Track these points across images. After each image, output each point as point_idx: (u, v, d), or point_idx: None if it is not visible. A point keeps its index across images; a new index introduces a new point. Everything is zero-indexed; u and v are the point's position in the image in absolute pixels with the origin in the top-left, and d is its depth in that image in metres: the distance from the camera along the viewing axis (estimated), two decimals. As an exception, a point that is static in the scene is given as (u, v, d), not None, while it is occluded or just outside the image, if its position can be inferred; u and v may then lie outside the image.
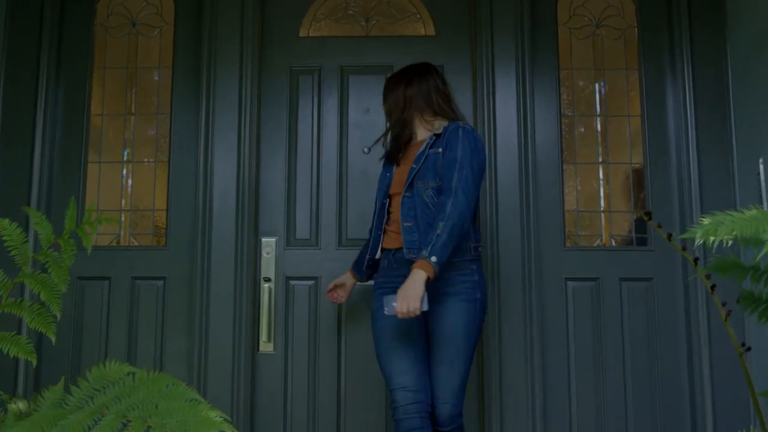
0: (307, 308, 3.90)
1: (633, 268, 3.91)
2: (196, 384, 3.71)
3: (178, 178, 4.00)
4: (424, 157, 3.21)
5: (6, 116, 3.91)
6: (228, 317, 3.76)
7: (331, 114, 4.07)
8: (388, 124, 3.49)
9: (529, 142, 3.91)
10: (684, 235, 1.57)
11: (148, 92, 4.14)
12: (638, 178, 4.02)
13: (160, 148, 4.08)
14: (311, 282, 3.91)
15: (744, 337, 3.47)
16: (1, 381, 3.72)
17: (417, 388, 3.08)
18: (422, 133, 3.34)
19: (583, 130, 4.09)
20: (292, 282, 3.91)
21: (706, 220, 1.51)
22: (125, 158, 4.09)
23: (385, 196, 3.37)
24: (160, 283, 3.92)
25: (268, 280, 3.86)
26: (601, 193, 4.04)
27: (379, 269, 3.38)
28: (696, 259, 2.03)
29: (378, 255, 3.36)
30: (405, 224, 3.19)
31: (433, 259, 2.94)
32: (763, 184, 3.37)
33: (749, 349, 1.83)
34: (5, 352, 1.92)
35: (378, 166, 3.60)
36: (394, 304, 2.96)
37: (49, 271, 2.06)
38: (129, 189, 4.06)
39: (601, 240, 3.99)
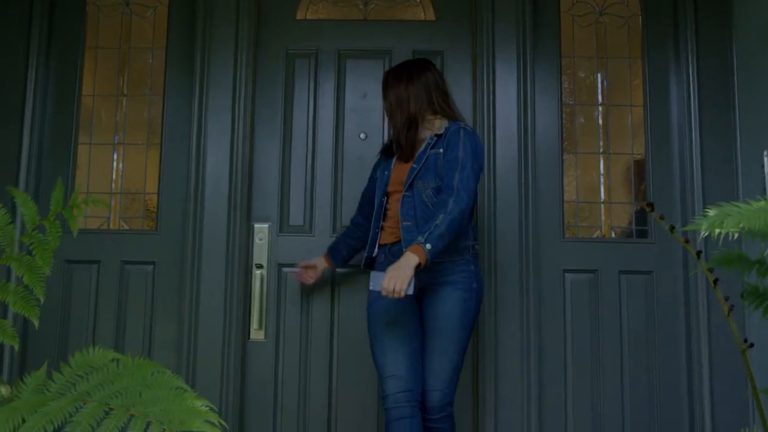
0: (300, 296, 3.87)
1: (633, 260, 3.88)
2: (185, 371, 3.68)
3: (170, 162, 3.97)
4: (425, 158, 3.24)
5: (-6, 95, 3.87)
6: (219, 304, 3.73)
7: (327, 98, 4.03)
8: (391, 124, 3.45)
9: (529, 131, 3.88)
10: (688, 227, 1.53)
11: (140, 74, 4.10)
12: (639, 169, 3.99)
13: (152, 130, 4.04)
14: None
15: (745, 333, 3.44)
16: (-14, 365, 3.71)
17: (407, 377, 3.10)
18: (422, 132, 3.34)
19: (584, 119, 4.06)
20: (285, 269, 3.87)
21: (711, 212, 1.47)
22: (116, 140, 4.04)
23: (383, 194, 3.38)
24: (150, 268, 3.88)
25: (260, 266, 3.82)
26: (602, 184, 4.01)
27: (375, 264, 3.38)
28: (699, 252, 2.00)
29: (375, 253, 3.37)
30: (404, 223, 3.21)
31: (428, 246, 2.95)
32: (767, 176, 3.34)
33: (752, 345, 1.79)
34: (-14, 336, 1.88)
35: (374, 152, 3.58)
36: (381, 281, 2.97)
37: (33, 253, 2.02)
38: (120, 172, 4.02)
39: (601, 231, 3.97)
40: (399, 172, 3.34)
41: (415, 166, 3.25)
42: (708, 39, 3.93)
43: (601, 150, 4.02)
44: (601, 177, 4.01)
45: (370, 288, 3.08)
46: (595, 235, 3.96)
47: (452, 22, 4.08)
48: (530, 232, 3.80)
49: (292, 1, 4.11)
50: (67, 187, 3.75)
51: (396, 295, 2.91)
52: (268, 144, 3.98)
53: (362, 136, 3.96)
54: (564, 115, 4.01)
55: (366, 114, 3.97)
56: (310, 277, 3.69)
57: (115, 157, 4.03)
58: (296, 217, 3.92)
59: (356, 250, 3.65)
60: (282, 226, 3.92)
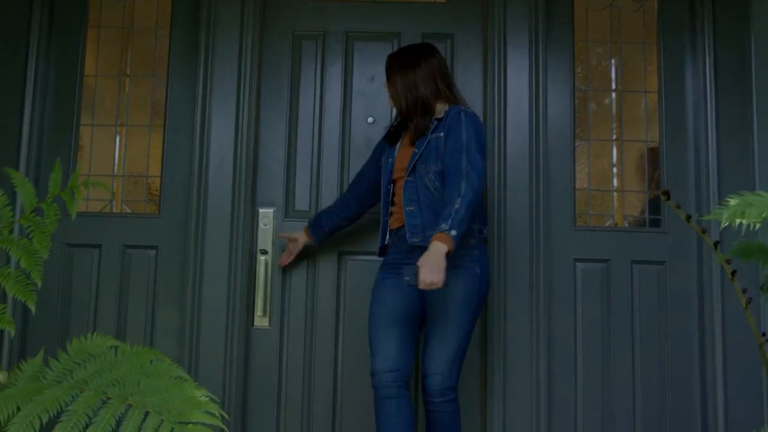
0: (305, 282, 3.84)
1: (645, 250, 3.84)
2: (187, 358, 3.66)
3: (173, 145, 3.93)
4: (426, 142, 3.27)
5: (-5, 75, 3.84)
6: (222, 290, 3.71)
7: (334, 81, 3.99)
8: (393, 106, 3.47)
9: (541, 117, 3.84)
10: (708, 217, 1.49)
11: (144, 54, 4.06)
12: (653, 157, 3.95)
13: (155, 112, 4.00)
14: (309, 255, 3.83)
15: (760, 326, 3.41)
16: (-16, 351, 3.70)
17: (395, 357, 3.16)
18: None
19: (597, 105, 4.02)
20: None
21: (733, 201, 1.43)
22: (119, 122, 4.00)
23: (389, 181, 3.41)
24: (153, 252, 3.85)
25: (264, 252, 3.79)
26: (614, 172, 3.97)
27: (387, 249, 3.43)
28: (716, 243, 1.96)
29: (387, 240, 3.41)
30: (408, 208, 3.25)
31: (453, 233, 2.98)
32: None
33: (771, 339, 1.76)
34: (-19, 322, 1.85)
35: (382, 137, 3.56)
36: (413, 274, 3.01)
37: (30, 237, 1.99)
38: (122, 154, 3.99)
39: (613, 220, 3.94)
40: (402, 158, 3.37)
41: (416, 151, 3.28)
42: (725, 24, 3.88)
43: (615, 137, 3.98)
44: (614, 164, 3.98)
45: (407, 283, 3.07)
46: (607, 224, 3.93)
47: (463, 5, 4.03)
48: (541, 220, 3.76)
49: (299, -19, 4.07)
50: (68, 170, 3.72)
51: (434, 287, 2.95)
52: (273, 127, 3.94)
53: (370, 120, 3.92)
54: (576, 101, 3.97)
55: (374, 97, 3.93)
56: (290, 253, 3.72)
57: (118, 139, 4.00)
58: (302, 201, 3.89)
59: (339, 228, 3.68)
60: (287, 210, 3.89)
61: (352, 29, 4.03)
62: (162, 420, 1.47)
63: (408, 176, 3.27)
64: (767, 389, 3.59)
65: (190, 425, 1.45)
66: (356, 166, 3.82)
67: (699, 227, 2.01)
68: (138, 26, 4.07)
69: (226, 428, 1.55)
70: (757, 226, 1.41)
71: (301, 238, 3.69)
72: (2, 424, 1.51)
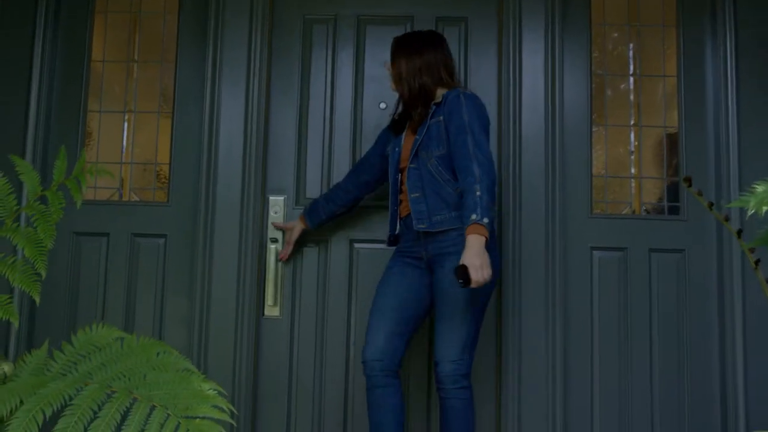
0: (316, 271, 3.82)
1: (664, 238, 3.80)
2: (196, 348, 3.65)
3: (182, 131, 3.91)
4: (426, 128, 3.28)
5: (0, 60, 3.83)
6: (232, 279, 3.68)
7: (345, 66, 3.95)
8: (395, 90, 3.44)
9: (557, 102, 3.80)
10: (734, 204, 1.45)
11: (152, 39, 4.04)
12: (672, 143, 3.90)
13: (164, 98, 3.98)
14: (320, 244, 3.80)
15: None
16: (-8, 341, 3.69)
17: (383, 346, 3.19)
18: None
19: (614, 90, 3.97)
20: (301, 244, 3.81)
21: (760, 188, 1.39)
22: (127, 108, 3.98)
23: (396, 170, 3.42)
24: (161, 241, 3.84)
25: (275, 240, 3.77)
26: (632, 158, 3.92)
27: (398, 239, 3.45)
28: (740, 231, 1.92)
29: (397, 230, 3.43)
30: (413, 195, 3.26)
31: (485, 220, 2.99)
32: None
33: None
34: (-15, 312, 1.83)
35: (394, 123, 3.53)
36: (463, 277, 2.98)
37: (35, 225, 1.96)
38: (131, 141, 3.97)
39: (631, 207, 3.89)
40: (407, 146, 3.38)
41: (417, 137, 3.29)
42: (746, 5, 3.82)
43: (632, 122, 3.93)
44: (632, 150, 3.93)
45: (461, 285, 3.00)
46: (624, 212, 3.88)
47: (477, -13, 3.99)
48: (557, 207, 3.72)
49: (309, -36, 4.03)
50: (76, 157, 3.70)
51: (486, 282, 2.98)
52: (284, 113, 3.91)
53: (382, 105, 3.89)
54: (593, 86, 3.92)
55: (386, 83, 3.86)
56: (289, 243, 3.73)
57: (126, 125, 3.97)
58: (313, 189, 3.86)
59: (335, 215, 3.68)
60: (298, 198, 3.86)
61: (364, 13, 4.00)
62: (168, 414, 1.44)
63: (411, 164, 3.29)
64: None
65: (197, 420, 1.42)
66: (368, 152, 3.79)
67: (721, 215, 1.96)
68: (146, 11, 4.04)
69: (234, 423, 1.52)
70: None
71: (297, 226, 3.70)
72: (5, 418, 1.49)
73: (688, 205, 3.80)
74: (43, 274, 1.88)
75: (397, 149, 3.43)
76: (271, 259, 3.73)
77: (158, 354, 1.67)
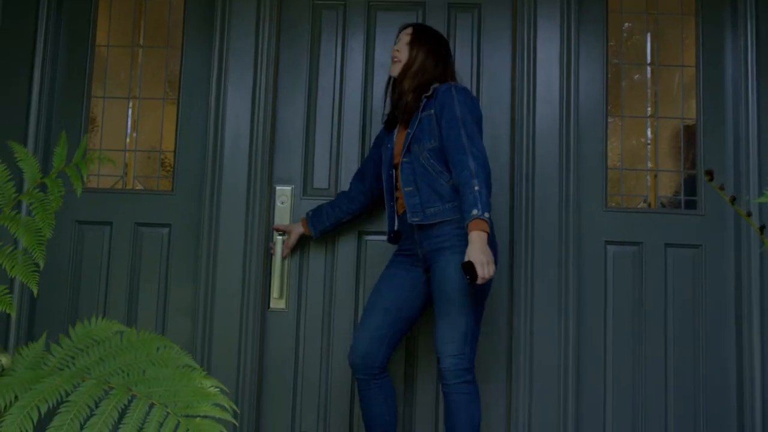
0: (323, 263, 3.79)
1: (680, 233, 3.76)
2: (200, 341, 3.63)
3: (188, 118, 3.88)
4: (417, 121, 3.30)
5: (3, 44, 3.80)
6: (237, 270, 3.66)
7: (355, 53, 3.92)
8: (403, 76, 3.40)
9: (572, 92, 3.76)
10: (761, 199, 1.40)
11: (158, 24, 4.00)
12: (689, 135, 3.86)
13: (169, 84, 3.96)
14: (328, 235, 3.76)
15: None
16: (-8, 331, 3.67)
17: (365, 348, 3.28)
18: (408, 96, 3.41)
19: (631, 80, 3.93)
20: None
21: (789, 182, 1.34)
22: (131, 94, 3.94)
23: (390, 167, 3.44)
24: (165, 230, 3.81)
25: (281, 232, 3.72)
26: (648, 150, 3.87)
27: (399, 236, 3.49)
28: (762, 227, 1.87)
29: (396, 227, 3.45)
30: (406, 189, 3.28)
31: (486, 215, 3.03)
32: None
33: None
34: (-20, 302, 1.79)
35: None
36: (470, 274, 3.01)
37: (33, 214, 1.92)
38: (135, 128, 3.93)
39: (646, 201, 3.85)
40: (399, 142, 3.40)
41: (409, 131, 3.31)
42: (769, -5, 3.77)
43: (649, 113, 3.89)
44: (648, 142, 3.89)
45: (468, 282, 3.03)
46: (640, 205, 3.85)
47: (491, -27, 3.94)
48: (571, 200, 3.68)
49: (320, -52, 3.98)
50: (79, 144, 3.67)
51: (491, 277, 3.03)
52: (292, 101, 3.87)
53: (393, 94, 3.85)
54: (609, 76, 3.88)
55: (397, 71, 3.85)
56: (287, 246, 3.71)
57: (130, 112, 3.94)
58: (321, 179, 3.83)
59: (340, 222, 3.67)
60: (305, 188, 3.83)
61: (374, -1, 3.96)
62: (167, 413, 1.40)
63: (404, 158, 3.31)
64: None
65: (198, 419, 1.38)
66: (378, 142, 3.75)
67: (743, 210, 1.92)
68: (151, -5, 4.01)
69: (235, 422, 1.48)
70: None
71: (297, 230, 3.68)
72: (0, 414, 1.45)
73: (706, 199, 3.76)
74: (41, 264, 1.84)
75: (389, 146, 3.45)
76: (278, 250, 3.69)
77: (158, 349, 1.63)
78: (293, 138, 3.85)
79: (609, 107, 3.85)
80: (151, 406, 1.42)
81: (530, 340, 3.60)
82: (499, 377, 3.68)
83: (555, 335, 3.60)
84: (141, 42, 3.98)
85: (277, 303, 3.74)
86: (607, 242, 3.75)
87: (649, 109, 3.89)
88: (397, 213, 3.42)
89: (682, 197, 3.83)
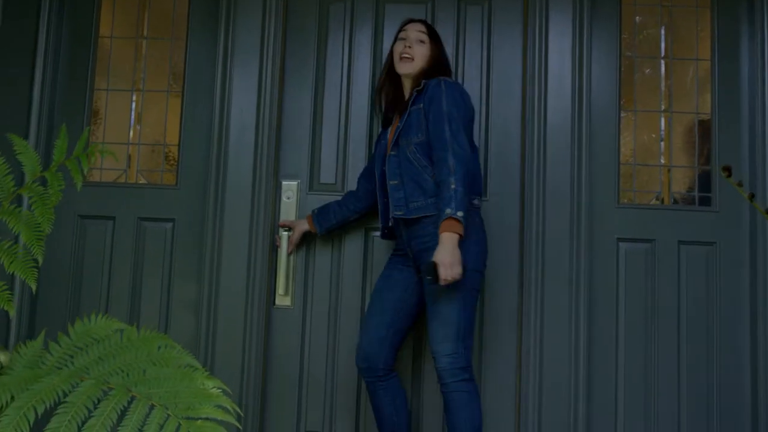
0: (330, 260, 3.76)
1: (694, 230, 3.73)
2: (204, 338, 3.61)
3: (192, 111, 3.85)
4: (407, 115, 3.33)
5: (4, 34, 3.78)
6: (242, 266, 3.63)
7: (363, 47, 3.88)
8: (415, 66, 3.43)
9: (584, 86, 3.72)
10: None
11: (162, 15, 3.98)
12: (704, 130, 3.82)
13: (174, 77, 3.93)
14: (335, 231, 3.72)
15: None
16: (-7, 327, 3.65)
17: (370, 351, 3.33)
18: (407, 92, 3.48)
19: (644, 74, 3.89)
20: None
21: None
22: (135, 87, 3.92)
23: (383, 163, 3.44)
24: (169, 225, 3.79)
25: (287, 228, 3.70)
26: (662, 146, 3.84)
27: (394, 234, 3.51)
28: (783, 225, 1.84)
29: (390, 223, 3.43)
30: (391, 182, 3.31)
31: (459, 213, 3.04)
32: None
33: None
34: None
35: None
36: (431, 274, 3.05)
37: (32, 208, 1.89)
38: (139, 121, 3.91)
39: (659, 197, 3.81)
40: (391, 136, 3.42)
41: (399, 125, 3.34)
42: (786, -13, 3.73)
43: (663, 108, 3.85)
44: (662, 137, 3.85)
45: (428, 283, 3.09)
46: (652, 201, 3.81)
47: (502, -36, 3.90)
48: (583, 196, 3.64)
49: (327, -62, 3.95)
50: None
51: (456, 279, 3.04)
52: (298, 94, 3.85)
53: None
54: (622, 69, 3.84)
55: (406, 64, 3.82)
56: (291, 243, 3.69)
57: (134, 105, 3.92)
58: (327, 174, 3.80)
59: (347, 221, 3.67)
60: (312, 183, 3.80)
61: (383, -10, 3.93)
62: (168, 415, 1.37)
63: (391, 151, 3.33)
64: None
65: (199, 421, 1.35)
66: (386, 137, 3.72)
67: (763, 207, 1.89)
68: (156, -15, 3.98)
69: (238, 425, 1.45)
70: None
71: (301, 226, 3.67)
72: (-4, 414, 1.42)
73: (720, 195, 3.72)
74: (40, 260, 1.82)
75: (383, 141, 3.47)
76: (283, 245, 3.66)
77: (160, 348, 1.60)
78: (299, 132, 3.82)
79: (622, 101, 3.82)
80: (152, 407, 1.40)
81: (540, 338, 3.56)
82: (509, 376, 3.65)
83: (566, 333, 3.56)
84: (145, 34, 3.95)
85: (282, 300, 3.71)
86: (619, 239, 3.71)
87: (662, 103, 3.85)
88: (389, 208, 3.42)
89: (696, 193, 3.79)
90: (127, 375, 1.50)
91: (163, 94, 3.92)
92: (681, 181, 3.83)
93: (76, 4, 3.91)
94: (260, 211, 3.66)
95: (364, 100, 3.84)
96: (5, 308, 1.77)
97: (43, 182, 1.97)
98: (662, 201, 3.80)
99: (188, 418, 1.37)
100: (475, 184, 3.32)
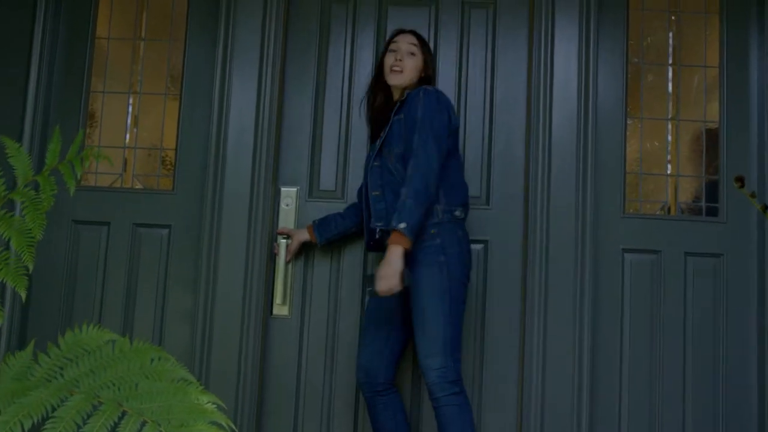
0: (328, 269, 3.73)
1: (701, 241, 3.70)
2: (199, 348, 3.57)
3: (190, 115, 3.82)
4: (389, 125, 3.35)
5: (-1, 35, 3.75)
6: (239, 275, 3.59)
7: (366, 50, 3.86)
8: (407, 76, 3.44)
9: (590, 92, 3.69)
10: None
11: (161, 15, 3.95)
12: (711, 139, 3.79)
13: (172, 79, 3.90)
14: (335, 242, 3.69)
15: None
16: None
17: (368, 365, 3.36)
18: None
19: (651, 80, 3.86)
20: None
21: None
22: (132, 89, 3.89)
23: (367, 174, 3.45)
24: (165, 231, 3.75)
25: (285, 236, 3.66)
26: (668, 154, 3.80)
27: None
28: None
29: (378, 235, 3.37)
30: (373, 193, 3.33)
31: (402, 225, 3.04)
32: None
33: None
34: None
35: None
36: (372, 285, 3.13)
37: (23, 213, 1.85)
38: (135, 124, 3.89)
39: (666, 207, 3.78)
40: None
41: (382, 135, 3.38)
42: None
43: (670, 116, 3.83)
44: (669, 146, 3.82)
45: (368, 294, 3.23)
46: (658, 211, 3.78)
47: (507, -32, 3.88)
48: (588, 205, 3.61)
49: (329, -61, 3.93)
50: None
51: (394, 291, 3.06)
52: (299, 98, 3.82)
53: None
54: (629, 76, 3.81)
55: (408, 68, 3.79)
56: (289, 252, 3.66)
57: (131, 107, 3.89)
58: (327, 180, 3.77)
59: (347, 232, 3.65)
60: (311, 190, 3.77)
61: (386, -8, 3.91)
62: (160, 431, 1.33)
63: (374, 162, 3.35)
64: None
65: (193, 439, 1.31)
66: (387, 142, 3.70)
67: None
68: (155, -15, 3.96)
69: (234, 443, 1.41)
70: None
71: (300, 236, 3.64)
72: (-20, 429, 1.38)
73: (728, 206, 3.70)
74: (30, 266, 1.77)
75: (371, 153, 3.46)
76: (281, 253, 3.62)
77: (153, 360, 1.56)
78: (299, 137, 3.79)
79: (628, 108, 3.79)
80: (143, 423, 1.36)
81: (543, 350, 3.53)
82: (511, 388, 3.61)
83: (569, 345, 3.53)
84: (143, 35, 3.92)
85: (280, 309, 3.68)
86: (625, 250, 3.68)
87: (669, 111, 3.82)
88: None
89: (703, 204, 3.76)
90: (119, 389, 1.46)
91: (160, 96, 3.89)
92: (688, 191, 3.80)
93: (73, 3, 3.88)
94: (258, 218, 3.62)
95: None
96: (-6, 317, 1.73)
97: (36, 186, 1.93)
98: (668, 211, 3.77)
99: (181, 435, 1.33)
100: (456, 194, 3.30)
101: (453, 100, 3.72)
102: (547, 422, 3.50)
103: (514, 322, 3.61)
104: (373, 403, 3.34)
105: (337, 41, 3.87)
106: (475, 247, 3.62)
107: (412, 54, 3.42)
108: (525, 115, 3.73)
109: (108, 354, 1.60)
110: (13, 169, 1.93)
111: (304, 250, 3.69)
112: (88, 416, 1.39)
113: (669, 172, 3.80)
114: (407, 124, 3.24)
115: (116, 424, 1.38)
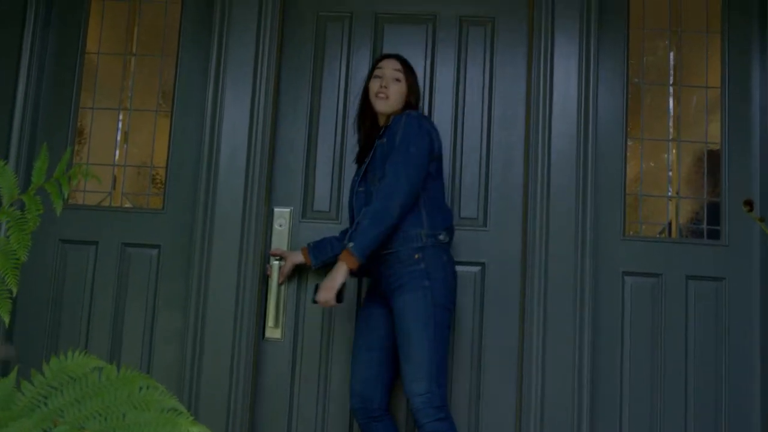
0: (322, 291, 3.67)
1: (702, 264, 3.67)
2: (188, 371, 3.53)
3: (181, 132, 3.80)
4: (373, 150, 3.39)
5: (-14, 50, 3.72)
6: (230, 296, 3.56)
7: (361, 68, 3.84)
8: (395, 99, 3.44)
9: (590, 113, 3.67)
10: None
11: (152, 30, 3.94)
12: (713, 161, 3.77)
13: (163, 96, 3.89)
14: (330, 263, 3.64)
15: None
16: (-33, 357, 3.56)
17: (363, 391, 3.35)
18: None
19: (652, 100, 3.85)
20: (307, 261, 3.68)
21: None
22: (122, 105, 3.87)
23: (353, 200, 3.49)
24: (154, 252, 3.73)
25: (278, 257, 3.63)
26: (669, 176, 3.79)
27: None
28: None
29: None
30: (358, 219, 3.28)
31: (350, 245, 3.12)
32: None
33: None
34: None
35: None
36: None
37: (8, 234, 1.80)
38: (125, 141, 3.87)
39: (666, 230, 3.75)
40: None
41: (366, 159, 3.41)
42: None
43: (671, 137, 3.81)
44: (669, 167, 3.80)
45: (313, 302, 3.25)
46: (659, 234, 3.76)
47: (506, -15, 3.87)
48: (587, 227, 3.58)
49: (325, -45, 3.91)
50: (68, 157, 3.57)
51: (326, 306, 3.18)
52: (292, 117, 3.80)
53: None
54: (629, 96, 3.80)
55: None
56: (282, 274, 3.63)
57: (120, 124, 3.87)
58: (322, 201, 3.74)
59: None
60: (305, 211, 3.75)
61: (382, 10, 3.90)
62: (148, 466, 1.28)
63: (359, 187, 3.41)
64: None
65: (183, 474, 1.26)
66: (383, 162, 3.68)
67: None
68: (146, 0, 3.93)
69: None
70: None
71: (294, 258, 3.61)
72: (-41, 461, 1.33)
73: (730, 228, 3.67)
74: (14, 290, 1.72)
75: (356, 177, 3.50)
76: (274, 275, 3.58)
77: (141, 389, 1.50)
78: (293, 157, 3.77)
79: (628, 128, 3.77)
80: (130, 457, 1.31)
81: (542, 374, 3.49)
82: (509, 413, 3.57)
83: (569, 370, 3.49)
84: (134, 50, 3.91)
85: (272, 332, 3.65)
86: (625, 273, 3.65)
87: (670, 131, 3.80)
88: None
89: (704, 226, 3.73)
90: (105, 419, 1.41)
91: (151, 113, 3.87)
92: (689, 213, 3.78)
93: (63, 17, 3.87)
94: (251, 238, 3.59)
95: (361, 122, 3.79)
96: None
97: (22, 206, 1.88)
98: (669, 233, 3.74)
99: (170, 470, 1.28)
100: (439, 218, 3.31)
101: (450, 118, 3.72)
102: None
103: (512, 346, 3.58)
104: (368, 429, 3.32)
105: (332, 59, 3.86)
106: (472, 269, 3.60)
107: (397, 80, 3.43)
108: (524, 134, 3.71)
109: (94, 382, 1.55)
110: (-2, 188, 1.89)
111: (297, 273, 3.66)
112: (73, 449, 1.35)
113: (670, 193, 3.78)
114: (389, 148, 3.26)
115: (102, 458, 1.33)
